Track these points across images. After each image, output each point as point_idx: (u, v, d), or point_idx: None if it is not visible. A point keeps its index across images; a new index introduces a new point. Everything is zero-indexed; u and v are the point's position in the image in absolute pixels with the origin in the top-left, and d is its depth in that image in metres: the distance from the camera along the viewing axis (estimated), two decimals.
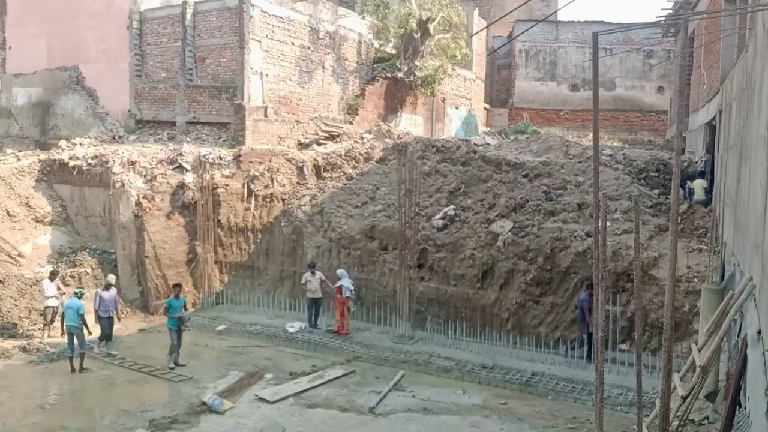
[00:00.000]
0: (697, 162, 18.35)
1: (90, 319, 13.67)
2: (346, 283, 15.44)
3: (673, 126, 25.28)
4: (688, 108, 21.89)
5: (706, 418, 9.66)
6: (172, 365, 13.21)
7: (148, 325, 16.47)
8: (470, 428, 10.36)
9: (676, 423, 8.08)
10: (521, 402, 11.61)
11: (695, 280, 12.88)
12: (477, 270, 15.43)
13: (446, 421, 10.68)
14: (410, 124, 27.44)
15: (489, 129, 32.74)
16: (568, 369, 13.12)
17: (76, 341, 13.01)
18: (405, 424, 10.54)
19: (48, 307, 14.96)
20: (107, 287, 14.56)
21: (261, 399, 11.55)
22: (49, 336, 14.80)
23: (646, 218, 15.30)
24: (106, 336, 14.32)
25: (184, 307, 13.97)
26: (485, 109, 35.34)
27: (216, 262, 18.43)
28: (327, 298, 16.29)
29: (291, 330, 15.78)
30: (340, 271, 15.80)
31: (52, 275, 15.39)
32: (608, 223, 15.25)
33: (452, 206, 17.15)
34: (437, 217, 16.86)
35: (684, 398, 7.40)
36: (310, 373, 12.93)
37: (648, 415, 8.61)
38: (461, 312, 15.33)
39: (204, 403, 11.09)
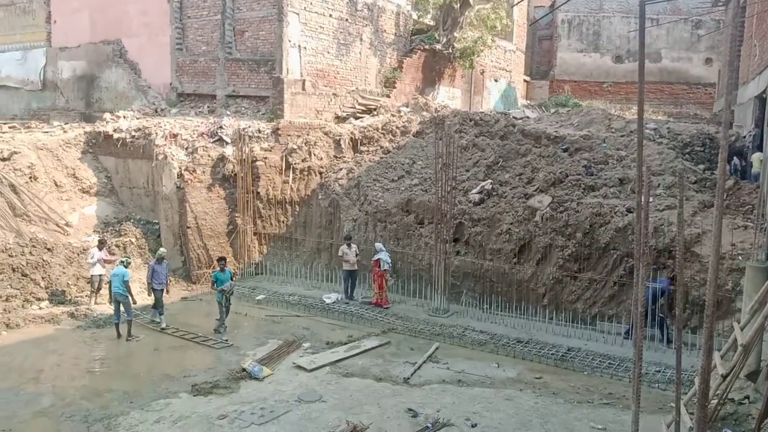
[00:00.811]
0: (744, 136, 17.74)
1: (135, 287, 14.05)
2: (384, 256, 15.57)
3: (720, 99, 24.41)
4: (737, 80, 21.08)
5: (747, 397, 9.51)
6: (221, 331, 13.66)
7: (190, 293, 16.94)
8: (504, 401, 10.42)
9: (715, 401, 7.98)
10: (556, 377, 11.60)
11: (739, 257, 12.57)
12: (513, 245, 15.34)
13: (480, 393, 10.76)
14: (448, 97, 27.16)
15: (529, 102, 32.19)
16: (605, 345, 13.03)
17: (122, 308, 13.44)
18: (439, 395, 10.66)
19: (95, 275, 15.51)
20: (159, 260, 14.54)
21: (299, 367, 11.81)
22: (96, 303, 15.35)
23: (689, 194, 14.92)
24: (160, 306, 14.35)
25: (231, 279, 14.07)
26: (525, 81, 34.69)
27: (255, 234, 18.78)
28: (363, 271, 16.46)
29: (328, 301, 16.03)
30: (377, 245, 15.90)
31: (100, 244, 15.92)
32: (650, 199, 14.94)
33: (489, 180, 17.02)
34: (474, 191, 16.76)
35: (724, 377, 7.31)
36: (346, 343, 13.15)
37: (686, 393, 8.53)
38: (497, 287, 15.31)
39: (244, 370, 11.41)
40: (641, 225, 5.43)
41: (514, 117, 22.02)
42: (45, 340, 13.11)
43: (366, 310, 15.32)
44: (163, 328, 13.93)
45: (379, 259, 15.46)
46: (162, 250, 15.33)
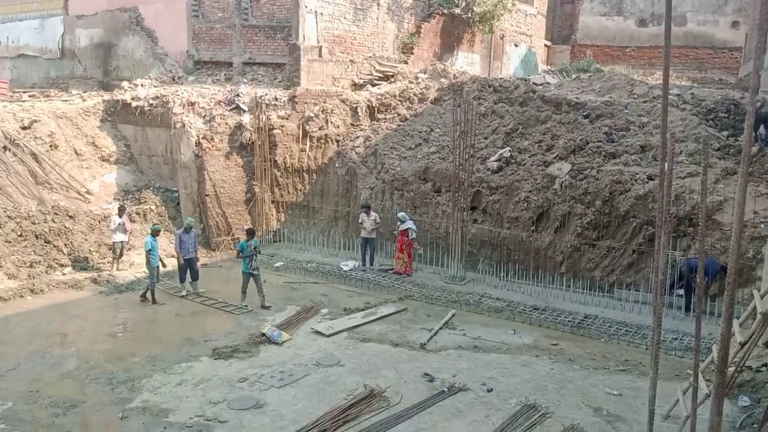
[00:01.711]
0: None
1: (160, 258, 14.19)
2: (412, 225, 15.54)
3: (747, 63, 23.74)
4: (765, 44, 20.45)
5: (765, 365, 9.49)
6: (201, 289, 14.01)
7: (209, 260, 17.16)
8: (520, 367, 10.50)
9: (732, 369, 7.97)
10: (572, 343, 11.64)
11: (762, 225, 12.38)
12: (532, 213, 15.26)
13: (496, 359, 10.84)
14: (467, 62, 26.74)
15: (549, 67, 31.56)
16: (622, 312, 13.02)
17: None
18: (455, 360, 10.76)
19: (116, 241, 15.75)
20: (187, 229, 14.39)
21: (317, 332, 11.98)
22: (117, 269, 15.63)
23: (712, 161, 14.67)
24: (193, 276, 14.35)
25: (255, 249, 13.71)
26: (546, 46, 33.99)
27: (273, 202, 18.88)
28: (380, 239, 16.51)
29: (345, 268, 16.15)
30: (402, 214, 15.81)
31: (120, 211, 16.12)
32: (672, 166, 14.72)
33: (508, 148, 16.85)
34: (492, 159, 16.62)
35: (742, 344, 7.28)
36: (363, 310, 13.28)
37: (703, 360, 8.52)
38: (514, 255, 15.28)
39: (263, 335, 11.59)
40: (664, 193, 5.35)
41: (534, 83, 21.63)
42: (68, 305, 13.42)
43: (383, 278, 15.41)
44: (199, 293, 14.14)
45: (408, 228, 15.40)
46: (190, 219, 15.27)
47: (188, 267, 14.29)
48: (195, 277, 14.38)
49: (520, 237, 15.23)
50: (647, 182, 14.10)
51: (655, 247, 12.73)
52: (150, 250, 13.65)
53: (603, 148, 15.79)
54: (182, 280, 14.38)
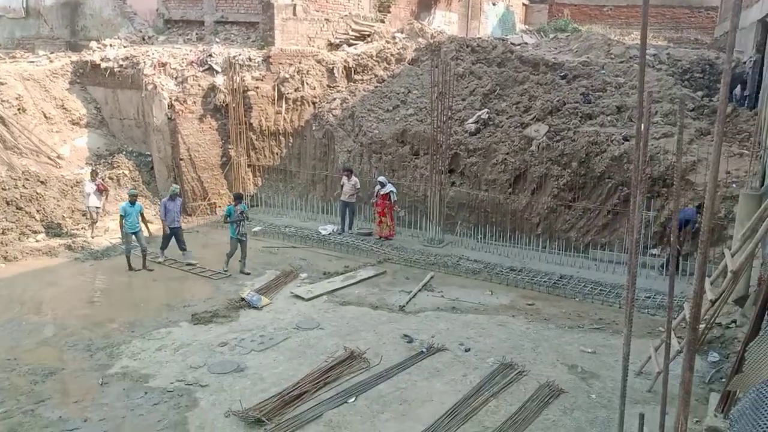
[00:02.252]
0: (745, 62, 17.41)
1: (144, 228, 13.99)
2: (393, 188, 15.54)
3: (723, 23, 23.80)
4: (741, 3, 20.48)
5: (734, 321, 9.79)
6: (226, 269, 13.31)
7: (186, 225, 16.89)
8: (497, 327, 10.69)
9: (703, 325, 8.20)
10: (548, 303, 11.87)
11: (733, 185, 12.61)
12: (509, 175, 15.33)
13: (474, 319, 11.03)
14: (444, 22, 26.37)
15: (527, 27, 31.28)
16: (597, 272, 13.27)
17: (134, 240, 13.50)
18: (434, 321, 10.92)
19: (91, 206, 15.50)
20: (173, 197, 13.97)
21: (296, 296, 12.02)
22: (92, 236, 15.42)
23: (687, 122, 14.79)
24: (180, 246, 13.97)
25: (243, 214, 13.48)
26: (524, 5, 33.62)
27: (249, 166, 18.66)
28: (358, 203, 16.47)
29: (324, 232, 16.14)
30: (382, 178, 15.70)
31: (93, 175, 15.82)
32: (648, 126, 14.83)
33: (486, 110, 16.79)
34: (470, 121, 16.57)
35: (713, 302, 7.48)
36: (342, 273, 13.33)
37: (675, 318, 8.75)
38: (491, 217, 15.40)
39: (243, 299, 11.60)
40: (640, 153, 5.38)
41: (512, 43, 21.46)
42: (43, 272, 13.25)
43: (362, 241, 15.45)
44: (191, 263, 13.77)
45: (390, 192, 15.37)
46: (175, 186, 14.77)
47: (173, 236, 14.00)
48: (182, 247, 14.00)
49: (497, 199, 15.33)
50: (623, 143, 14.22)
51: (630, 208, 12.92)
52: (123, 215, 13.39)
53: (580, 109, 15.82)
54: (163, 248, 14.09)
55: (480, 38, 22.05)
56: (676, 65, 18.34)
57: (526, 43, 22.86)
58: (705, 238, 4.57)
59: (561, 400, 8.35)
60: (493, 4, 29.74)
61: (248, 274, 13.24)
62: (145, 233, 13.89)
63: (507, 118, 16.29)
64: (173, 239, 14.03)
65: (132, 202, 13.51)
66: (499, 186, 15.40)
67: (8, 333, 10.27)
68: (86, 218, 15.76)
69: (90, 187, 15.44)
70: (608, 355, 9.64)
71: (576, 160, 14.54)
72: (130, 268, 13.42)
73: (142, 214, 13.62)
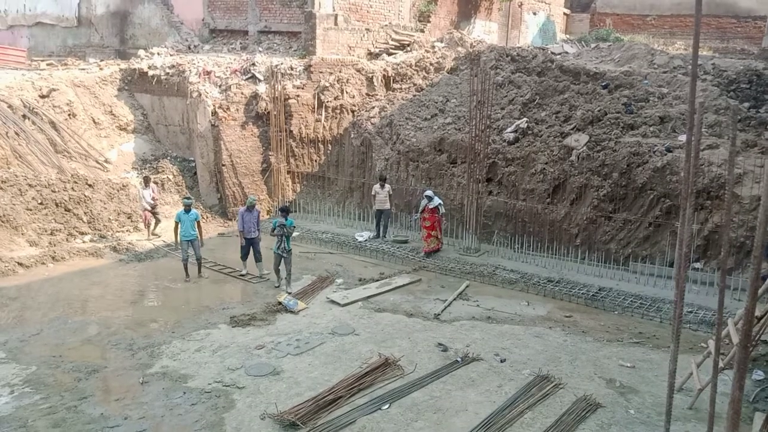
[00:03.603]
0: None
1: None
2: (441, 201, 15.08)
3: None
4: None
5: None
6: (266, 271, 13.19)
7: (226, 230, 17.33)
8: (533, 338, 10.58)
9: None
10: (586, 315, 11.69)
11: None
12: (548, 185, 15.17)
13: (509, 330, 10.93)
14: (484, 31, 26.34)
15: (568, 36, 30.99)
16: (637, 285, 13.00)
17: (191, 249, 13.32)
18: (469, 330, 10.86)
19: (146, 210, 16.11)
20: (250, 208, 13.46)
21: (332, 302, 12.13)
22: (148, 237, 16.00)
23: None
24: (256, 257, 13.54)
25: (282, 228, 12.68)
26: (565, 14, 33.35)
27: (288, 172, 18.93)
28: (393, 210, 16.49)
29: (360, 239, 16.24)
30: (429, 192, 15.04)
31: (146, 181, 16.39)
32: (699, 137, 14.49)
33: (525, 119, 16.68)
34: (509, 130, 16.48)
35: (759, 318, 7.26)
36: (378, 280, 13.39)
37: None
38: (529, 227, 15.25)
39: (280, 303, 11.77)
40: (690, 164, 5.28)
41: (552, 52, 21.28)
42: (89, 273, 13.67)
43: (397, 249, 15.49)
44: (263, 276, 13.45)
45: (438, 205, 14.84)
46: (252, 197, 14.19)
47: (250, 246, 13.58)
48: (258, 258, 13.57)
49: (535, 209, 15.18)
50: (665, 154, 13.93)
51: (673, 220, 12.64)
52: (178, 222, 13.40)
53: (621, 119, 15.57)
54: (243, 258, 13.68)
55: (520, 47, 21.95)
56: (721, 75, 17.89)
57: (566, 53, 22.64)
58: (758, 253, 4.46)
59: (598, 414, 8.21)
60: (534, 14, 29.57)
61: (289, 293, 12.49)
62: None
63: (546, 128, 16.15)
64: (252, 251, 13.60)
65: (187, 210, 13.37)
66: (537, 196, 15.26)
67: (54, 331, 10.63)
68: (130, 221, 16.27)
69: (146, 195, 16.03)
70: (648, 370, 9.44)
71: (617, 170, 14.31)
72: (187, 275, 13.35)
73: (198, 222, 13.48)
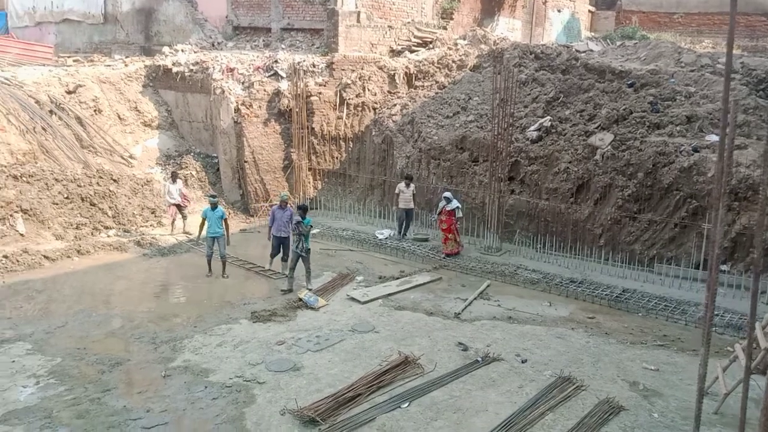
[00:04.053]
0: None
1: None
2: (459, 204, 14.96)
3: None
4: None
5: None
6: (285, 287, 12.61)
7: (248, 226, 17.44)
8: (555, 339, 10.47)
9: None
10: (610, 317, 11.54)
11: None
12: (571, 184, 15.01)
13: (531, 330, 10.84)
14: (507, 28, 26.13)
15: (593, 34, 30.62)
16: (662, 287, 12.80)
17: (216, 246, 13.25)
18: (490, 330, 10.79)
19: (172, 205, 16.28)
20: (282, 205, 13.24)
21: (352, 299, 12.13)
22: (171, 232, 16.17)
23: (761, 133, 14.14)
24: (284, 256, 13.30)
25: (298, 227, 12.51)
26: (590, 12, 32.93)
27: (310, 169, 18.99)
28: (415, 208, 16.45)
29: (380, 236, 16.23)
30: (447, 194, 14.90)
31: (174, 176, 16.59)
32: (717, 138, 14.22)
33: (549, 117, 16.51)
34: (532, 128, 16.33)
35: None
36: (398, 278, 13.37)
37: (744, 338, 8.35)
38: (552, 226, 15.10)
39: (300, 300, 11.81)
40: (723, 164, 5.16)
41: (576, 50, 21.04)
42: (113, 267, 13.85)
43: (418, 247, 15.45)
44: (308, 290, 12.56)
45: (456, 208, 14.70)
46: (285, 193, 13.96)
47: (280, 245, 13.39)
48: (285, 258, 13.31)
49: (558, 208, 15.03)
50: (692, 154, 13.69)
51: (706, 222, 12.41)
52: (205, 219, 13.34)
53: (647, 118, 15.34)
54: (273, 255, 13.55)
55: (544, 45, 21.74)
56: (750, 74, 17.52)
57: (591, 51, 22.38)
58: None
59: (621, 417, 8.09)
60: (558, 11, 29.26)
61: (310, 289, 12.43)
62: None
63: (570, 126, 15.97)
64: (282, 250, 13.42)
65: (213, 207, 13.36)
66: (560, 195, 15.11)
67: (79, 323, 10.78)
68: (154, 216, 16.44)
69: (174, 189, 16.21)
70: (672, 374, 9.29)
71: (642, 170, 14.10)
72: (210, 271, 13.38)
73: (225, 220, 13.43)
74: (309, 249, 12.71)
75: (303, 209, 12.70)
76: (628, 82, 17.08)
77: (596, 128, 15.55)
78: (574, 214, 14.84)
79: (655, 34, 26.51)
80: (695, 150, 13.74)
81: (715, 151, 13.67)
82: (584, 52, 21.44)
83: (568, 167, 15.12)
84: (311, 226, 12.86)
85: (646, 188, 14.03)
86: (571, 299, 12.44)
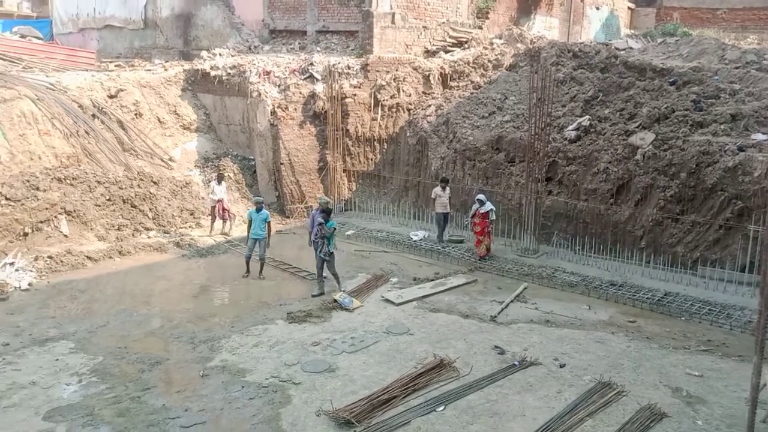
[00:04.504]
0: None
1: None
2: (493, 206, 14.74)
3: None
4: None
5: None
6: (315, 292, 12.43)
7: (284, 227, 17.58)
8: (594, 343, 10.24)
9: None
10: (651, 321, 11.24)
11: None
12: (611, 185, 14.69)
13: (569, 334, 10.63)
14: (544, 27, 25.79)
15: (633, 31, 29.98)
16: (705, 291, 12.42)
17: (257, 247, 13.38)
18: (527, 334, 10.62)
19: (216, 203, 16.56)
20: (324, 209, 12.73)
21: (387, 300, 12.09)
22: (211, 234, 16.42)
23: None
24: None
25: (321, 226, 12.25)
26: (629, 9, 32.30)
27: (344, 171, 19.05)
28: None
29: (415, 238, 16.16)
30: (481, 196, 14.68)
31: (219, 178, 16.94)
32: (763, 137, 13.74)
33: (587, 116, 16.20)
34: (570, 128, 16.05)
35: None
36: (432, 280, 13.28)
37: None
38: (590, 228, 14.80)
39: (335, 301, 11.83)
40: None
41: (616, 48, 20.60)
42: (153, 267, 14.11)
43: (453, 248, 15.33)
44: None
45: (490, 210, 14.49)
46: (325, 197, 13.63)
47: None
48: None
49: (597, 210, 14.73)
50: (737, 153, 13.25)
51: (752, 223, 11.98)
52: (251, 220, 13.46)
53: (690, 116, 14.91)
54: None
55: (582, 43, 21.37)
56: None
57: (631, 48, 21.89)
58: None
59: (663, 424, 7.86)
60: (597, 9, 28.75)
61: (343, 290, 12.35)
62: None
63: (610, 126, 15.64)
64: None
65: (258, 209, 13.49)
66: (599, 196, 14.80)
67: (120, 323, 11.01)
68: (193, 217, 16.72)
69: (217, 188, 16.44)
70: (717, 380, 8.99)
71: (685, 170, 13.71)
72: (247, 271, 13.48)
73: (268, 223, 13.50)
74: (332, 252, 12.46)
75: (326, 212, 12.50)
76: (670, 80, 16.65)
77: (637, 127, 15.19)
78: (614, 215, 14.52)
79: (697, 31, 25.83)
80: (741, 149, 13.29)
81: (762, 150, 13.24)
82: (624, 49, 20.98)
83: (607, 167, 14.81)
84: (335, 229, 12.57)
85: (689, 189, 13.64)
86: (611, 302, 12.17)
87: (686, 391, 8.69)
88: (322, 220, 12.27)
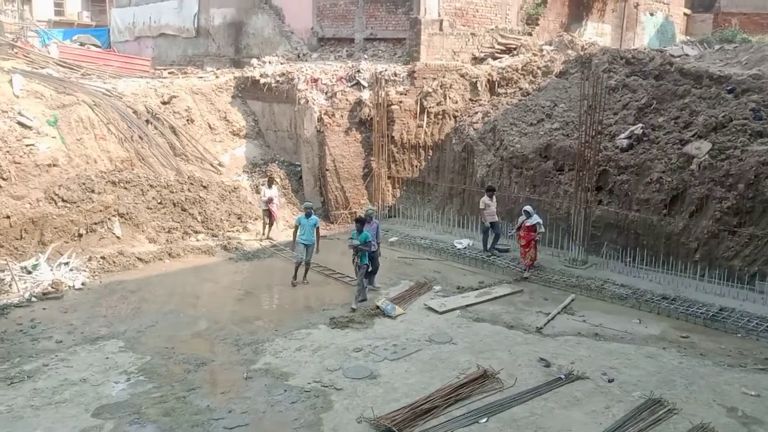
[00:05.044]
0: None
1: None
2: (540, 219, 14.34)
3: None
4: None
5: None
6: (378, 284, 12.57)
7: (328, 233, 17.63)
8: (645, 358, 9.90)
9: None
10: (705, 337, 10.80)
11: None
12: (664, 195, 14.22)
13: (618, 348, 10.30)
14: (596, 33, 25.27)
15: (689, 38, 29.10)
16: (764, 306, 11.86)
17: (305, 253, 13.35)
18: (574, 347, 10.35)
19: (265, 210, 16.77)
20: (368, 218, 12.89)
21: (429, 309, 11.99)
22: (261, 238, 16.62)
23: None
24: (372, 271, 12.82)
25: (352, 239, 12.35)
26: (685, 14, 31.38)
27: (389, 178, 19.05)
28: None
29: (459, 246, 16.00)
30: (528, 208, 14.31)
31: (270, 182, 17.16)
32: None
33: (640, 125, 15.75)
34: (622, 136, 15.63)
35: None
36: (476, 289, 13.10)
37: None
38: (642, 239, 14.35)
39: (378, 308, 11.79)
40: None
41: (671, 55, 20.01)
42: (201, 270, 14.38)
43: (498, 258, 15.11)
44: (374, 287, 12.85)
45: (536, 223, 14.06)
46: (371, 207, 13.64)
47: (369, 258, 12.66)
48: (373, 270, 12.91)
49: (650, 220, 14.27)
50: None
51: None
52: (299, 225, 13.50)
53: (749, 125, 14.31)
54: (372, 275, 13.10)
55: (635, 50, 20.85)
56: None
57: (687, 55, 21.24)
58: None
59: None
60: (651, 14, 28.03)
61: (354, 309, 11.90)
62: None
63: (664, 134, 15.16)
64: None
65: (307, 215, 13.53)
66: (652, 206, 14.35)
67: (168, 323, 11.25)
68: (240, 221, 17.00)
69: (268, 192, 16.69)
70: None
71: (743, 181, 13.16)
72: (295, 277, 13.44)
73: (317, 229, 13.52)
74: (364, 265, 12.25)
75: (360, 222, 12.42)
76: (728, 88, 16.04)
77: (692, 136, 14.68)
78: (668, 226, 14.04)
79: (757, 37, 24.85)
80: None
81: None
82: (679, 56, 20.38)
83: (661, 177, 14.35)
84: (370, 242, 12.28)
85: (747, 200, 13.08)
86: (663, 317, 11.75)
87: (742, 411, 8.30)
88: (363, 238, 12.11)
